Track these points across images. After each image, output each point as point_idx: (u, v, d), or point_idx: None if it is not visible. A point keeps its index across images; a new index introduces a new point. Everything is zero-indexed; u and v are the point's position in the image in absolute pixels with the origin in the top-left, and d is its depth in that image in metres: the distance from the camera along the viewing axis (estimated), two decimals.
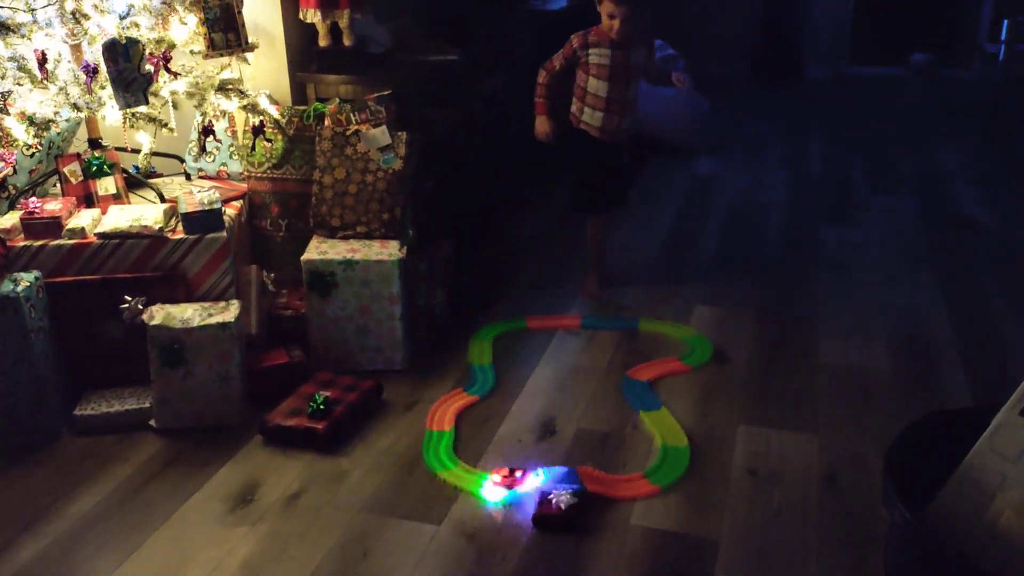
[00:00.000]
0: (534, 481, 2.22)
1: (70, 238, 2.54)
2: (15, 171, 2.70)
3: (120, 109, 2.54)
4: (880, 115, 5.92)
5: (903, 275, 3.47)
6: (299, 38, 3.14)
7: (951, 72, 6.11)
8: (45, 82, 2.47)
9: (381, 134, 2.83)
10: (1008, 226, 3.99)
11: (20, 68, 2.44)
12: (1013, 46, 5.57)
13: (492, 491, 2.21)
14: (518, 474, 2.24)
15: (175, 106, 2.79)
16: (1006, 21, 5.61)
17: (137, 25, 2.53)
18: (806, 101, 6.37)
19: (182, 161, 3.05)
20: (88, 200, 2.71)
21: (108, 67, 2.46)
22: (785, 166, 4.92)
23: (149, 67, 2.54)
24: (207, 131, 2.87)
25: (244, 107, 2.81)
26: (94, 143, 2.74)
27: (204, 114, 2.80)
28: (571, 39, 3.06)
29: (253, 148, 2.94)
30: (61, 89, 2.48)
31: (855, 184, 4.59)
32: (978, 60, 6.38)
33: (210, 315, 2.45)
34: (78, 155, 2.71)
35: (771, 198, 4.40)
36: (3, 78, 2.41)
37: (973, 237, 3.85)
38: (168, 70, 2.63)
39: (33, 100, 2.46)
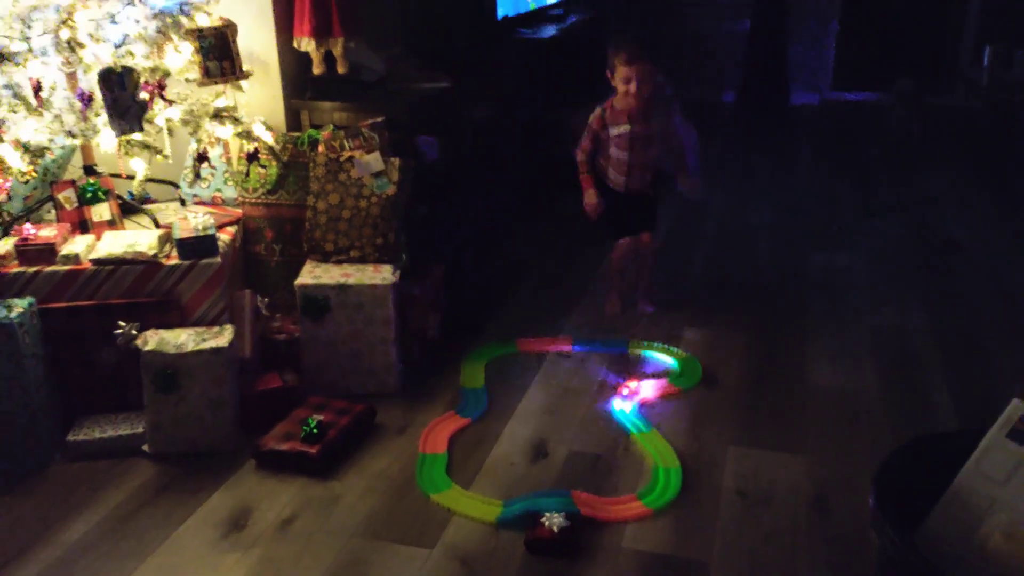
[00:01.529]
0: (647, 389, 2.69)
1: (64, 264, 2.55)
2: (10, 198, 2.72)
3: (115, 136, 2.56)
4: (865, 141, 5.99)
5: (890, 298, 3.51)
6: (293, 66, 3.17)
7: (934, 98, 6.20)
8: (40, 110, 2.49)
9: (374, 160, 2.86)
10: (993, 249, 4.03)
11: (15, 96, 2.46)
12: (995, 72, 5.67)
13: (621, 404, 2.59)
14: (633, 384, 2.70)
15: (170, 133, 2.82)
16: (988, 47, 5.71)
17: (132, 54, 2.55)
18: (792, 127, 6.44)
19: (177, 187, 3.07)
20: (83, 226, 2.72)
21: (103, 95, 2.48)
22: (772, 191, 4.97)
23: (144, 95, 2.57)
24: (202, 157, 2.89)
25: (239, 134, 2.83)
26: (89, 170, 2.76)
27: (199, 141, 2.82)
28: (590, 121, 3.18)
29: (247, 174, 2.96)
30: (56, 117, 2.50)
31: (841, 207, 4.64)
32: (961, 86, 6.48)
33: (204, 340, 2.46)
34: (73, 182, 2.72)
35: (759, 222, 4.45)
36: None
37: (959, 260, 3.90)
38: (163, 98, 2.65)
39: (28, 128, 2.48)
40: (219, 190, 3.04)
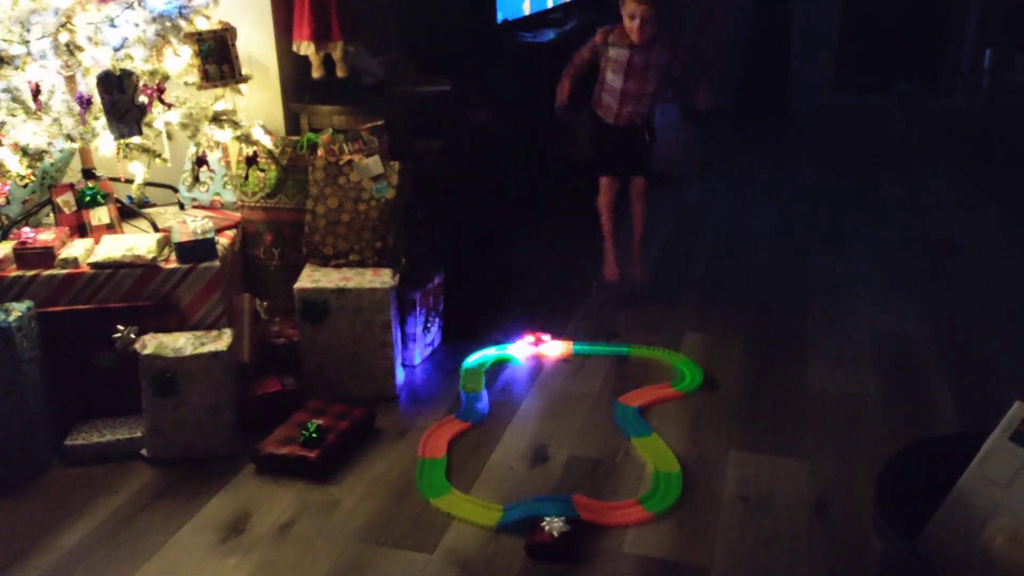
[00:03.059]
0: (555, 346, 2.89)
1: (63, 268, 2.54)
2: (8, 201, 2.72)
3: (114, 140, 2.56)
4: (865, 144, 5.99)
5: (890, 302, 3.50)
6: (293, 69, 3.17)
7: (935, 101, 6.20)
8: (39, 113, 2.49)
9: (374, 164, 2.86)
10: (993, 253, 4.03)
11: (14, 99, 2.46)
12: (996, 75, 5.66)
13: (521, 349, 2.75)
14: (545, 337, 2.84)
15: (169, 137, 2.81)
16: (988, 50, 5.71)
17: (131, 57, 2.54)
18: (793, 130, 6.44)
19: (176, 191, 3.07)
20: (81, 230, 2.72)
21: (102, 98, 2.48)
22: (773, 194, 4.96)
23: (143, 98, 2.56)
24: (201, 161, 2.89)
25: (238, 137, 2.83)
26: (88, 173, 2.75)
27: (198, 144, 2.82)
28: (596, 34, 3.17)
29: (247, 178, 2.95)
30: (55, 120, 2.50)
31: (842, 211, 4.64)
32: (961, 89, 6.48)
33: (203, 344, 2.46)
34: (71, 185, 2.72)
35: (759, 226, 4.44)
36: None
37: (959, 264, 3.89)
38: (162, 101, 2.65)
39: (27, 131, 2.47)
40: (218, 194, 3.04)
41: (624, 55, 3.11)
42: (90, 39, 2.48)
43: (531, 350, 2.99)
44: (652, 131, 3.32)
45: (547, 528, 2.10)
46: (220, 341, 2.48)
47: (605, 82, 3.21)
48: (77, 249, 2.59)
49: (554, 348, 3.01)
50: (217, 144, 2.86)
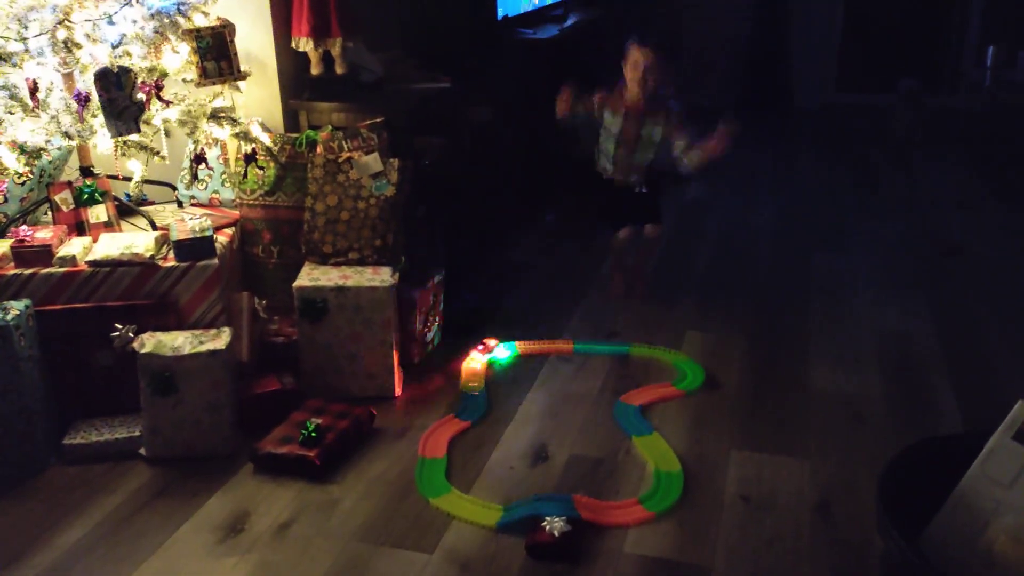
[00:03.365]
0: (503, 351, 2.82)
1: (61, 266, 2.53)
2: (6, 199, 2.71)
3: (112, 137, 2.55)
4: (867, 142, 5.97)
5: (893, 300, 3.49)
6: (291, 66, 3.16)
7: (937, 99, 6.18)
8: (37, 110, 2.48)
9: (373, 161, 2.84)
10: (996, 251, 4.01)
11: (12, 97, 2.45)
12: (998, 73, 5.64)
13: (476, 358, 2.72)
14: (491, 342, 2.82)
15: (167, 134, 2.81)
16: (991, 47, 5.69)
17: (129, 54, 2.54)
18: (794, 129, 6.42)
19: (174, 189, 3.06)
20: (79, 228, 2.71)
21: (100, 95, 2.47)
22: (774, 192, 4.95)
23: (141, 95, 2.55)
24: (199, 159, 2.88)
25: (236, 135, 2.82)
26: (85, 171, 2.74)
27: (196, 142, 2.81)
28: (596, 95, 3.21)
29: (245, 175, 2.94)
30: (53, 117, 2.49)
31: (844, 210, 4.62)
32: (964, 87, 6.46)
33: (201, 343, 2.44)
34: (69, 183, 2.71)
35: (761, 224, 4.43)
36: None
37: (962, 262, 3.88)
38: (160, 98, 2.64)
39: (24, 129, 2.47)
40: (216, 191, 3.03)
41: (618, 123, 3.16)
42: (88, 36, 2.48)
43: (482, 359, 2.94)
44: (649, 184, 3.34)
45: (548, 528, 2.09)
46: (219, 340, 2.47)
47: (601, 141, 3.27)
48: (75, 247, 2.58)
49: (502, 351, 2.97)
50: (215, 141, 2.85)
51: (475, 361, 2.89)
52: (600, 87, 3.25)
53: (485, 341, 2.96)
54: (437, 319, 3.09)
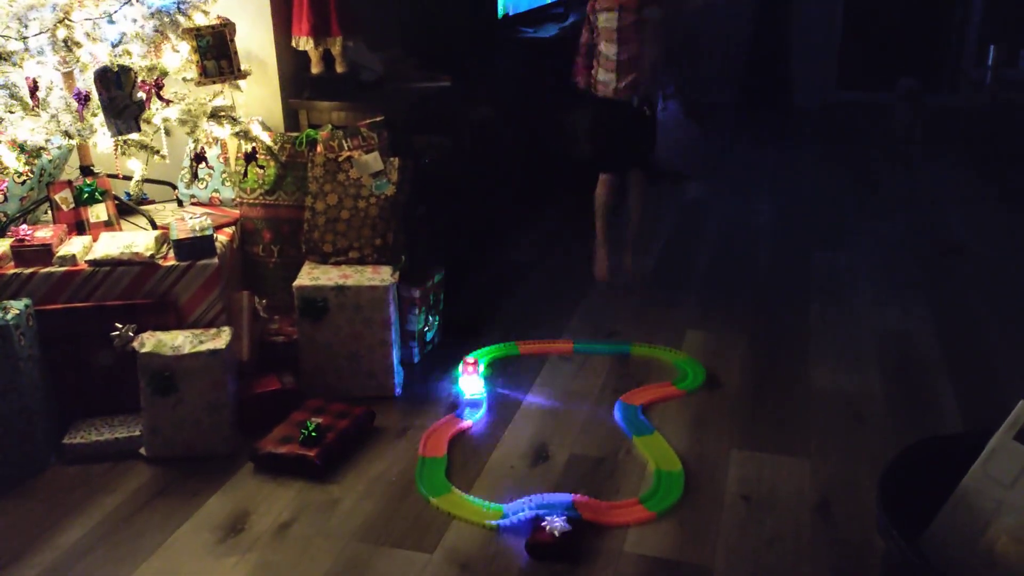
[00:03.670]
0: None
1: (61, 265, 2.53)
2: (6, 198, 2.70)
3: (112, 136, 2.54)
4: (868, 141, 5.97)
5: (893, 300, 3.48)
6: (292, 65, 3.16)
7: (937, 98, 6.18)
8: (37, 110, 2.47)
9: (373, 160, 2.84)
10: (996, 250, 4.01)
11: (12, 96, 2.44)
12: (999, 71, 5.63)
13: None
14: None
15: (167, 133, 2.80)
16: (992, 46, 5.68)
17: (129, 53, 2.53)
18: (795, 127, 6.42)
19: (174, 188, 3.05)
20: (79, 227, 2.70)
21: (100, 95, 2.46)
22: (775, 191, 4.95)
23: (141, 94, 2.55)
24: (199, 158, 2.87)
25: (236, 134, 2.82)
26: (86, 170, 2.74)
27: (196, 141, 2.81)
28: (587, 8, 3.09)
29: (245, 174, 2.94)
30: (53, 117, 2.49)
31: (844, 209, 4.62)
32: (964, 86, 6.45)
33: (201, 342, 2.44)
34: (69, 182, 2.70)
35: (761, 223, 4.42)
36: None
37: (962, 262, 3.87)
38: (160, 97, 2.64)
39: (24, 128, 2.46)
40: (217, 190, 3.02)
41: (614, 17, 2.99)
42: (88, 35, 2.47)
43: (473, 380, 2.77)
44: (653, 107, 3.18)
45: (548, 527, 2.09)
46: (219, 339, 2.47)
47: (600, 55, 3.11)
48: (75, 246, 2.58)
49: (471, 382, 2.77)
50: (216, 140, 2.85)
51: (468, 381, 2.77)
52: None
53: (466, 360, 2.80)
54: (437, 318, 3.08)
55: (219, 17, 2.73)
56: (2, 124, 2.44)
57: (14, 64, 2.42)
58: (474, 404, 2.72)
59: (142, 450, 2.46)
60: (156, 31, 2.56)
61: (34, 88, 2.47)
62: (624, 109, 3.14)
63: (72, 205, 2.70)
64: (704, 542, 2.13)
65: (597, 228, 3.30)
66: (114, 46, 2.51)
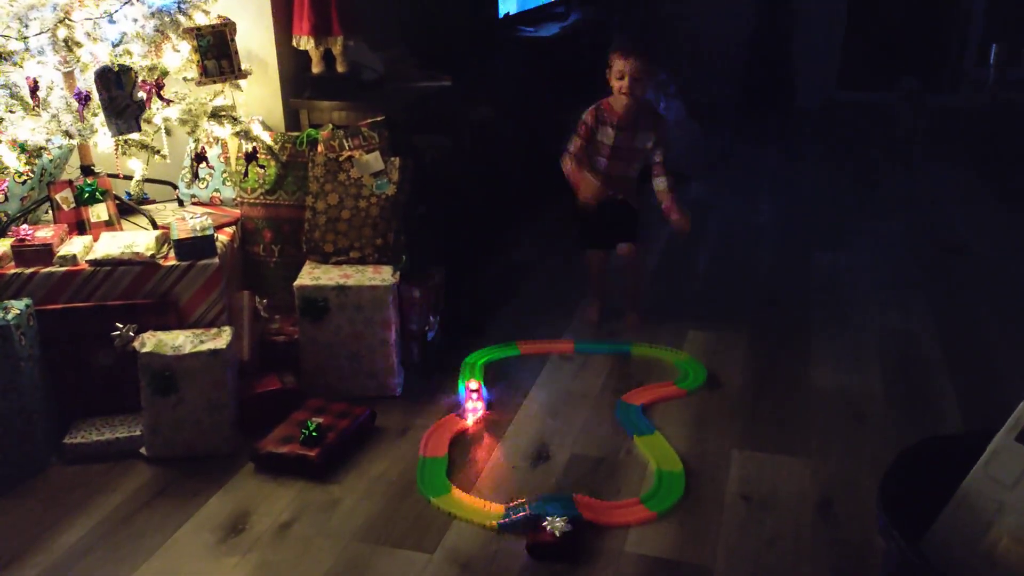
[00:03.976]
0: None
1: (61, 265, 2.53)
2: (6, 198, 2.70)
3: (112, 136, 2.54)
4: (869, 140, 5.97)
5: (895, 299, 3.48)
6: (292, 65, 3.15)
7: (939, 97, 6.17)
8: (37, 109, 2.47)
9: (374, 160, 2.84)
10: (998, 251, 4.01)
11: (12, 95, 2.44)
12: (1001, 71, 5.63)
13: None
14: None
15: (168, 133, 2.80)
16: (995, 45, 5.68)
17: (130, 53, 2.53)
18: (797, 127, 6.41)
19: (175, 187, 3.05)
20: (80, 227, 2.70)
21: (100, 94, 2.46)
22: (776, 191, 4.94)
23: (142, 94, 2.55)
24: (200, 157, 2.87)
25: (237, 133, 2.81)
26: (86, 170, 2.74)
27: (197, 141, 2.81)
28: (584, 116, 3.08)
29: (246, 174, 2.94)
30: (53, 116, 2.48)
31: (845, 209, 4.62)
32: (966, 85, 6.45)
33: (202, 342, 2.44)
34: (70, 182, 2.70)
35: (763, 222, 4.42)
36: None
37: (963, 261, 3.87)
38: (161, 97, 2.63)
39: (25, 127, 2.46)
40: (217, 190, 3.02)
41: (610, 135, 3.05)
42: (88, 35, 2.47)
43: (475, 407, 2.67)
44: (636, 197, 3.23)
45: (549, 527, 2.09)
46: (219, 339, 2.47)
47: (590, 161, 3.13)
48: (76, 246, 2.58)
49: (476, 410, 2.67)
50: (216, 140, 2.85)
51: (472, 408, 2.67)
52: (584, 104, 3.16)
53: (468, 385, 2.68)
54: (438, 318, 3.08)
55: (220, 17, 2.73)
56: (3, 124, 2.44)
57: (14, 64, 2.42)
58: (475, 405, 2.72)
59: (142, 450, 2.46)
60: (157, 31, 2.56)
61: (34, 88, 2.46)
62: (608, 206, 3.17)
63: (73, 205, 2.69)
64: (705, 542, 2.13)
65: (590, 287, 3.36)
66: (115, 46, 2.51)
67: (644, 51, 2.98)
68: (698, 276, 3.78)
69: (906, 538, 1.64)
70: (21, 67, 2.43)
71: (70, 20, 2.44)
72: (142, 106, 2.55)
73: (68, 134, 2.51)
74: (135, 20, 2.50)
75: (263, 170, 2.93)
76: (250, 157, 2.89)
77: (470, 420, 2.64)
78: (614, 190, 3.14)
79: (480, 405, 2.67)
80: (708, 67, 6.72)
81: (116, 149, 2.64)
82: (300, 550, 2.11)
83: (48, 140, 2.50)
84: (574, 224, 3.28)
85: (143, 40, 2.54)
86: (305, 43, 3.05)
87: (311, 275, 2.74)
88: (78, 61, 2.48)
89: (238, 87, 2.83)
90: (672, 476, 2.36)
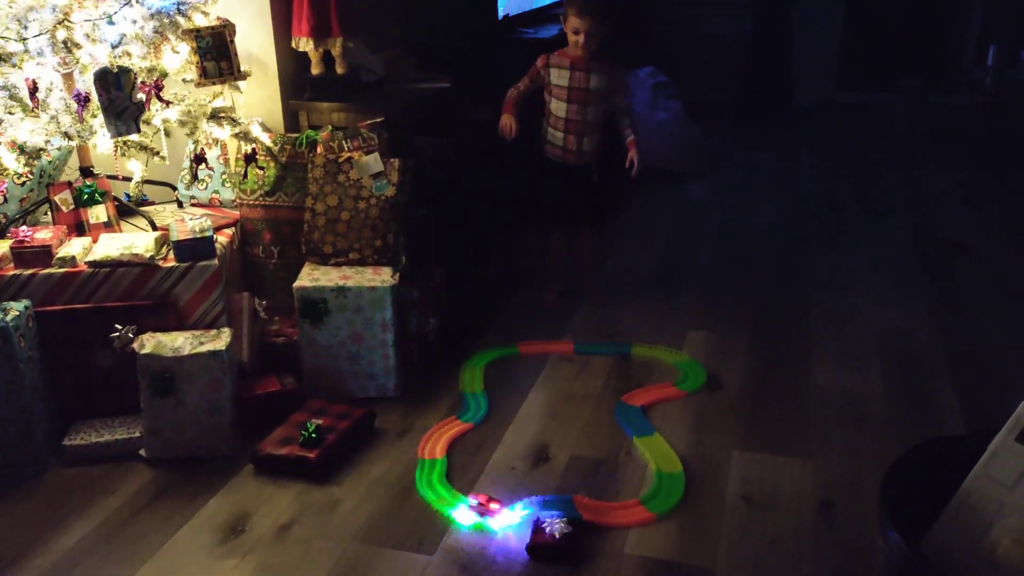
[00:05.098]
0: (510, 516, 2.19)
1: (60, 267, 2.53)
2: (5, 200, 2.70)
3: (112, 137, 2.54)
4: (869, 140, 5.97)
5: (894, 299, 3.48)
6: (292, 66, 3.15)
7: (938, 97, 6.18)
8: (36, 111, 2.47)
9: (373, 161, 2.84)
10: (998, 250, 4.00)
11: (11, 97, 2.44)
12: (1000, 71, 5.64)
13: (465, 515, 2.20)
14: (495, 506, 2.22)
15: (167, 134, 2.79)
16: (993, 46, 5.68)
17: (129, 54, 2.53)
18: (796, 127, 6.41)
19: (174, 189, 3.05)
20: (79, 228, 2.70)
21: (100, 96, 2.46)
22: (776, 191, 4.94)
23: (141, 95, 2.54)
24: (199, 159, 2.87)
25: (236, 135, 2.81)
26: (85, 171, 2.73)
27: (196, 142, 2.80)
28: (537, 60, 3.14)
29: (245, 176, 2.94)
30: (52, 118, 2.48)
31: (846, 209, 4.62)
32: (965, 86, 6.45)
33: (201, 343, 2.44)
34: (69, 183, 2.70)
35: (762, 223, 4.42)
36: None
37: (964, 261, 3.87)
38: (160, 98, 2.63)
39: (24, 129, 2.46)
40: (217, 192, 3.02)
41: (566, 75, 3.07)
42: (88, 36, 2.47)
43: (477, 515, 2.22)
44: (599, 170, 3.23)
45: (549, 529, 2.09)
46: (219, 340, 2.46)
47: (551, 115, 3.17)
48: (75, 248, 2.58)
49: (502, 517, 2.21)
50: (216, 142, 2.84)
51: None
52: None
53: (482, 502, 2.26)
54: (438, 319, 3.08)
55: (219, 18, 2.72)
56: (2, 125, 2.44)
57: (14, 65, 2.42)
58: (472, 400, 2.72)
59: (142, 451, 2.46)
60: (156, 32, 2.55)
61: (34, 89, 2.46)
62: (576, 174, 3.21)
63: (72, 206, 2.69)
64: (705, 543, 2.12)
65: (550, 271, 3.43)
66: (114, 47, 2.50)
67: (599, 10, 3.01)
68: (698, 277, 3.77)
69: (907, 539, 1.64)
70: (20, 68, 2.43)
71: (69, 22, 2.44)
72: (141, 107, 2.54)
73: (67, 135, 2.51)
74: (134, 21, 2.49)
75: (262, 171, 2.93)
76: (249, 158, 2.89)
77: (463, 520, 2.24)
78: (579, 145, 3.15)
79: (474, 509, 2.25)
80: (707, 68, 6.72)
81: (115, 150, 2.64)
82: (300, 552, 2.10)
83: (47, 141, 2.50)
84: (538, 201, 3.28)
85: (142, 41, 2.54)
86: (304, 44, 3.05)
87: (310, 276, 2.74)
88: (77, 62, 2.48)
89: (237, 88, 2.82)
90: (672, 477, 2.36)
